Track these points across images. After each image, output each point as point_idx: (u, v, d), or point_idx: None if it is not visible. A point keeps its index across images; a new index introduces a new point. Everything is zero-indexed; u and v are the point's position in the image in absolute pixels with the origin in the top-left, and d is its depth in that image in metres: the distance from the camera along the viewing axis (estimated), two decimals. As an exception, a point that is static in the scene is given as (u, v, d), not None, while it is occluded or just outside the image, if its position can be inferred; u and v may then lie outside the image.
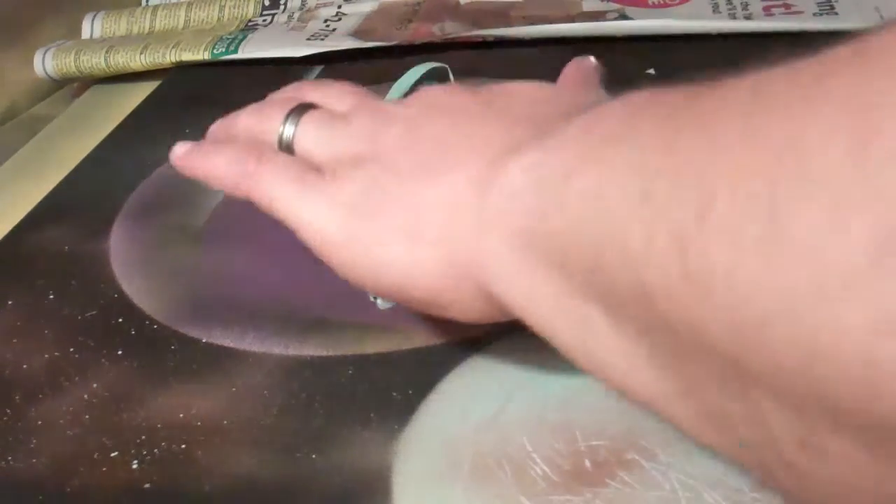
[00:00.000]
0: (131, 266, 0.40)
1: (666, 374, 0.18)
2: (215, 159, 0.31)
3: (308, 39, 0.57)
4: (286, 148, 0.31)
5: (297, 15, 0.62)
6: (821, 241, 0.13)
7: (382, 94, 0.41)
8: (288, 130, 0.31)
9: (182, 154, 0.33)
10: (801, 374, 0.14)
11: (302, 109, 0.31)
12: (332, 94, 0.32)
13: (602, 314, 0.20)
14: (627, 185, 0.18)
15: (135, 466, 0.29)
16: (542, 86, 0.30)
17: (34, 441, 0.31)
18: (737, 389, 0.16)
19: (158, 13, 0.64)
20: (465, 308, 0.26)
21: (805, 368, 0.14)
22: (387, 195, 0.27)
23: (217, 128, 0.35)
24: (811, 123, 0.14)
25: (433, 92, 0.30)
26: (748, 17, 0.52)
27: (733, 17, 0.52)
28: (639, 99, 0.21)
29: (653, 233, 0.17)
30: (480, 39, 0.55)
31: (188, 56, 0.57)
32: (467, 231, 0.25)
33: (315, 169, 0.29)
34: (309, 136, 0.30)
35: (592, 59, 0.35)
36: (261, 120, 0.32)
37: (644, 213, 0.17)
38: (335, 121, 0.30)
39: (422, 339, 0.33)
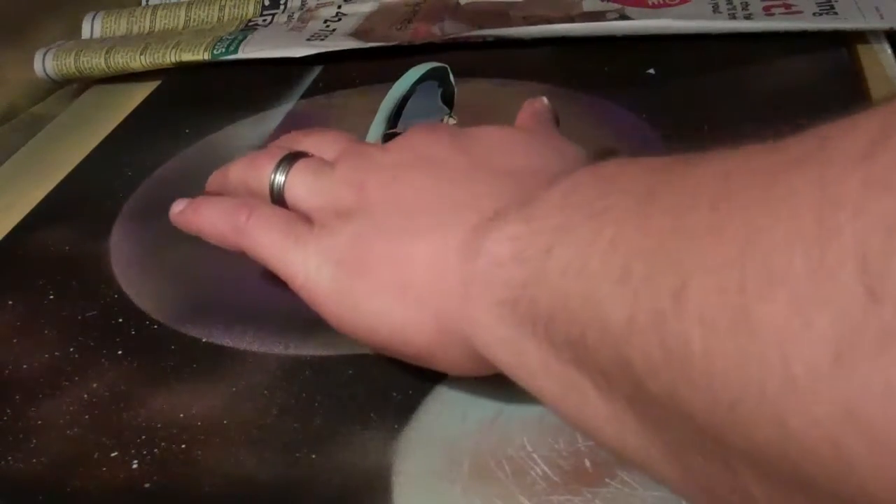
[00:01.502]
0: (131, 266, 0.40)
1: (653, 441, 0.19)
2: (208, 215, 0.33)
3: (308, 40, 0.57)
4: (277, 196, 0.32)
5: (297, 15, 0.62)
6: (787, 335, 0.14)
7: (383, 93, 0.41)
8: (278, 179, 0.32)
9: (178, 211, 0.34)
10: (775, 453, 0.15)
11: (292, 158, 0.32)
12: (322, 142, 0.34)
13: (589, 382, 0.20)
14: (606, 262, 0.19)
15: (135, 466, 0.29)
16: (514, 132, 0.31)
17: (34, 441, 0.31)
18: (719, 459, 0.17)
19: (158, 13, 0.64)
20: (456, 364, 0.27)
21: (778, 448, 0.15)
22: (373, 252, 0.28)
23: (212, 179, 0.37)
24: (774, 220, 0.15)
25: (416, 138, 0.31)
26: (748, 17, 0.52)
27: (733, 17, 0.52)
28: (608, 172, 0.22)
29: (634, 312, 0.18)
30: (480, 39, 0.55)
31: (188, 56, 0.57)
32: (454, 296, 0.25)
33: (304, 218, 0.31)
34: (298, 184, 0.31)
35: (545, 99, 0.36)
36: (253, 170, 0.33)
37: (623, 291, 0.18)
38: (322, 169, 0.31)
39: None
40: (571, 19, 0.55)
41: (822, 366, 0.14)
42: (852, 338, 0.13)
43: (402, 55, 0.53)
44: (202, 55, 0.57)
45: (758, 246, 0.15)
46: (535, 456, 0.27)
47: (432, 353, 0.27)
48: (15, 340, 0.36)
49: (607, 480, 0.26)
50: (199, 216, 0.33)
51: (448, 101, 0.42)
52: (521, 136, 0.31)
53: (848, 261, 0.13)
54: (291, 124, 0.50)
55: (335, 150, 0.32)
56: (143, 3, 0.68)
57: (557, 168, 0.28)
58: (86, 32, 0.64)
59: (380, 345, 0.29)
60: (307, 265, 0.29)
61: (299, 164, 0.32)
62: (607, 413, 0.20)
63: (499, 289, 0.23)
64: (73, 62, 0.58)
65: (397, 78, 0.41)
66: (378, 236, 0.28)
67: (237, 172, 0.35)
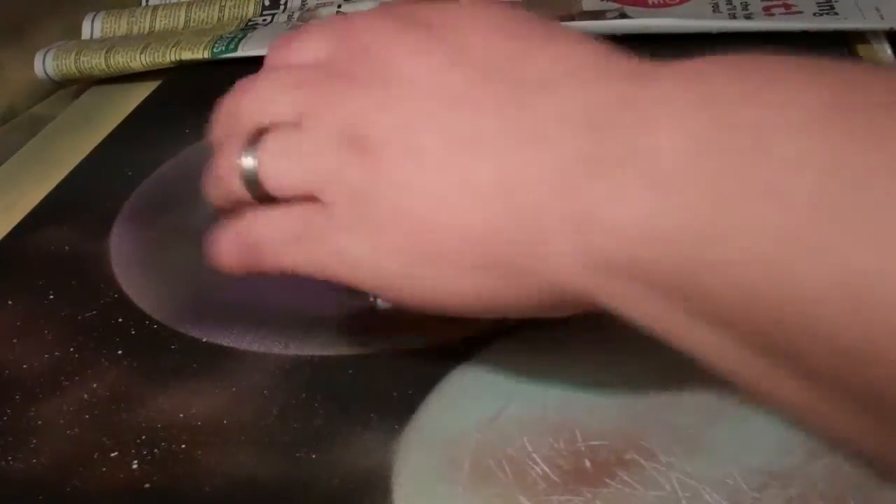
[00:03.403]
0: (131, 266, 0.40)
1: (827, 398, 0.19)
2: (226, 259, 0.29)
3: (308, 39, 0.57)
4: (260, 196, 0.27)
5: (297, 15, 0.62)
6: None
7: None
8: (248, 164, 0.27)
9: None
10: None
11: (252, 141, 0.27)
12: (267, 96, 0.28)
13: (744, 347, 0.20)
14: (784, 235, 0.18)
15: (135, 466, 0.29)
16: (493, 14, 0.26)
17: (34, 441, 0.31)
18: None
19: (158, 13, 0.64)
20: (532, 312, 0.25)
21: None
22: (410, 217, 0.24)
23: (206, 188, 0.31)
24: None
25: (397, 56, 0.25)
26: (748, 17, 0.52)
27: (733, 17, 0.52)
28: (743, 127, 0.19)
29: (827, 281, 0.17)
30: (480, 39, 0.55)
31: (188, 55, 0.57)
32: (547, 259, 0.23)
33: (307, 205, 0.26)
34: (274, 172, 0.27)
35: None
36: (219, 187, 0.29)
37: (820, 261, 0.17)
38: (292, 141, 0.26)
39: (422, 339, 0.33)
40: (571, 18, 0.55)
41: None
42: None
43: (402, 55, 0.53)
44: (202, 53, 0.57)
45: None
46: (535, 456, 0.27)
47: (504, 310, 0.25)
48: (15, 340, 0.36)
49: (607, 480, 0.26)
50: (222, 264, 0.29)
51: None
52: (510, 20, 0.26)
53: None
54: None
55: (290, 100, 0.27)
56: (143, 3, 0.68)
57: (578, 61, 0.24)
58: (86, 32, 0.64)
59: (452, 312, 0.25)
60: (342, 255, 0.25)
61: (265, 148, 0.27)
62: (761, 370, 0.20)
63: (626, 262, 0.21)
64: (73, 62, 0.58)
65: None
66: (409, 203, 0.24)
67: (209, 191, 0.30)
